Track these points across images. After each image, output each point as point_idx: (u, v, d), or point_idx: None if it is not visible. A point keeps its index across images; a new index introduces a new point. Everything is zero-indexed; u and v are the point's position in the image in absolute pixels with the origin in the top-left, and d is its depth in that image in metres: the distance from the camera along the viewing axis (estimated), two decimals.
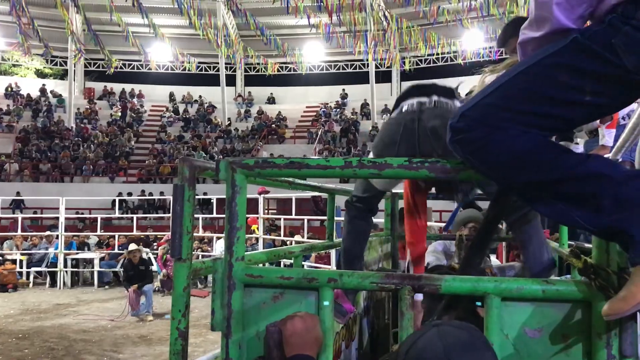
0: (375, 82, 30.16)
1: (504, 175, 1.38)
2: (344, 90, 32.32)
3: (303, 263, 10.53)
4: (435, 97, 2.38)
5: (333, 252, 8.04)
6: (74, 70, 30.62)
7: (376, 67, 30.26)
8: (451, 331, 1.20)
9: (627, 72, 1.24)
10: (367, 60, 29.50)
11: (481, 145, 1.35)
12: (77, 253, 14.47)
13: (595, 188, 1.28)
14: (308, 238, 11.76)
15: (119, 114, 30.96)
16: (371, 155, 2.52)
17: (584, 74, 1.28)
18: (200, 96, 32.86)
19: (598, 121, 3.45)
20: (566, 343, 1.38)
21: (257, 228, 12.76)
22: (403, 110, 2.41)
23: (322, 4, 25.38)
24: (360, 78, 31.37)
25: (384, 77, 31.43)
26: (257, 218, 12.20)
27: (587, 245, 2.54)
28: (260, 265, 2.33)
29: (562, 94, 1.31)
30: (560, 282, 1.44)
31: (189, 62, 31.05)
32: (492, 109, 1.36)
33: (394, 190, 3.58)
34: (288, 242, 11.66)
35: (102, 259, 14.30)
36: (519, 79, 1.36)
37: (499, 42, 3.00)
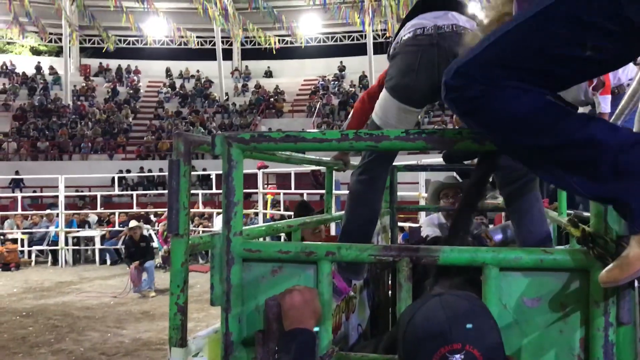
0: (374, 54, 29.91)
1: (502, 137, 1.31)
2: (341, 62, 32.08)
3: None
4: (452, 19, 2.24)
5: (333, 226, 8.06)
6: (69, 47, 30.35)
7: (374, 38, 29.97)
8: (453, 300, 1.21)
9: (630, 25, 1.15)
10: (365, 31, 29.21)
11: (477, 105, 1.28)
12: (77, 231, 14.53)
13: (594, 154, 1.21)
14: None
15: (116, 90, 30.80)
16: (385, 89, 2.38)
17: (584, 27, 1.18)
18: (197, 71, 32.62)
19: (590, 89, 3.42)
20: (564, 312, 1.39)
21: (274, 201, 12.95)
22: (417, 33, 2.26)
23: None
24: (358, 50, 31.09)
25: (382, 48, 31.16)
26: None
27: (585, 213, 2.54)
28: (261, 239, 2.33)
29: (560, 50, 1.22)
30: (558, 251, 1.44)
31: (189, 37, 30.67)
32: (487, 65, 1.28)
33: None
34: (287, 217, 11.70)
35: (103, 236, 14.35)
36: (516, 32, 1.26)
37: None
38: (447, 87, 1.32)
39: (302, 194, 12.48)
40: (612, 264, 1.25)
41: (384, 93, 2.40)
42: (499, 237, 2.89)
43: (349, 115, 3.20)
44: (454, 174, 4.00)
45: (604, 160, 1.20)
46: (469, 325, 1.15)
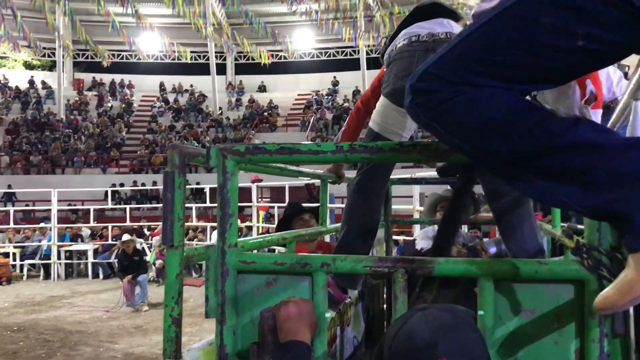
0: (367, 69, 30.06)
1: (476, 146, 1.14)
2: (335, 77, 32.23)
3: None
4: (447, 26, 2.30)
5: (327, 238, 8.05)
6: (63, 61, 30.37)
7: (367, 53, 30.15)
8: (437, 314, 1.19)
9: (631, 7, 0.99)
10: (358, 46, 29.40)
11: (447, 109, 1.12)
12: (70, 245, 14.44)
13: (586, 160, 1.05)
14: None
15: (109, 104, 30.79)
16: (383, 95, 2.44)
17: (573, 12, 1.03)
18: (191, 85, 32.70)
19: (583, 103, 3.45)
20: (559, 323, 1.39)
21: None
22: (412, 40, 2.32)
23: None
24: (352, 65, 31.29)
25: (375, 63, 31.34)
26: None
27: (579, 226, 2.56)
28: (255, 251, 2.32)
29: (548, 39, 1.05)
30: (553, 262, 1.44)
31: (183, 52, 30.78)
32: (462, 61, 1.12)
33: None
34: None
35: (95, 250, 14.27)
36: (495, 23, 1.10)
37: None
38: (413, 90, 1.16)
39: None
40: (608, 288, 1.12)
41: (381, 100, 2.44)
42: (493, 249, 2.90)
43: (345, 123, 3.23)
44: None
45: (598, 165, 1.05)
46: (453, 339, 1.14)
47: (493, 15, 1.11)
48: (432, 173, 5.66)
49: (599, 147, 1.05)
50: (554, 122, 1.10)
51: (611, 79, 3.32)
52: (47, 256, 14.04)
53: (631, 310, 1.35)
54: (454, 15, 2.44)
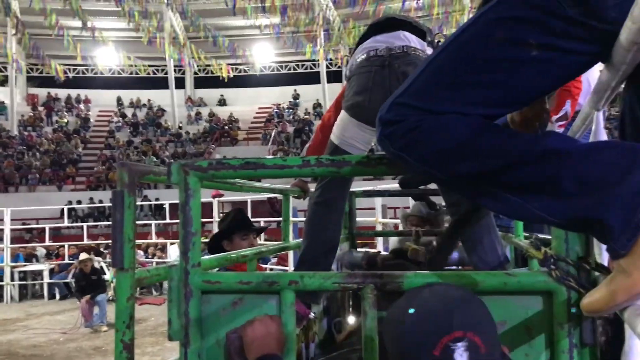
0: (327, 82, 30.23)
1: (444, 172, 1.14)
2: (295, 90, 32.31)
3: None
4: (404, 39, 2.34)
5: (291, 254, 8.00)
6: (15, 76, 29.59)
7: (327, 66, 30.34)
8: (443, 289, 1.17)
9: (572, 23, 1.03)
10: (318, 60, 29.58)
11: (413, 137, 1.12)
12: (24, 265, 13.98)
13: (552, 169, 1.04)
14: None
15: (65, 120, 30.11)
16: (343, 109, 2.47)
17: (523, 23, 1.05)
18: (149, 100, 32.27)
19: (554, 120, 3.51)
20: (529, 334, 1.38)
21: None
22: (370, 55, 2.36)
23: (266, 5, 25.54)
24: (312, 78, 31.41)
25: (335, 77, 31.56)
26: None
27: (543, 236, 2.58)
28: (215, 270, 2.26)
29: (502, 53, 1.07)
30: (521, 273, 1.44)
31: (142, 66, 30.37)
32: (425, 89, 1.14)
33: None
34: None
35: (52, 270, 13.84)
36: (452, 48, 1.13)
37: None
38: (382, 122, 1.17)
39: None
40: (596, 289, 1.09)
41: (341, 113, 2.47)
42: (455, 255, 2.90)
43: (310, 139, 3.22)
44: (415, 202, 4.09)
45: (565, 172, 1.04)
46: (466, 309, 1.09)
47: (451, 39, 1.14)
48: (394, 185, 5.69)
49: (564, 154, 1.05)
50: (519, 137, 1.11)
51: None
52: (0, 278, 13.54)
53: (599, 320, 1.36)
54: (410, 27, 2.46)
